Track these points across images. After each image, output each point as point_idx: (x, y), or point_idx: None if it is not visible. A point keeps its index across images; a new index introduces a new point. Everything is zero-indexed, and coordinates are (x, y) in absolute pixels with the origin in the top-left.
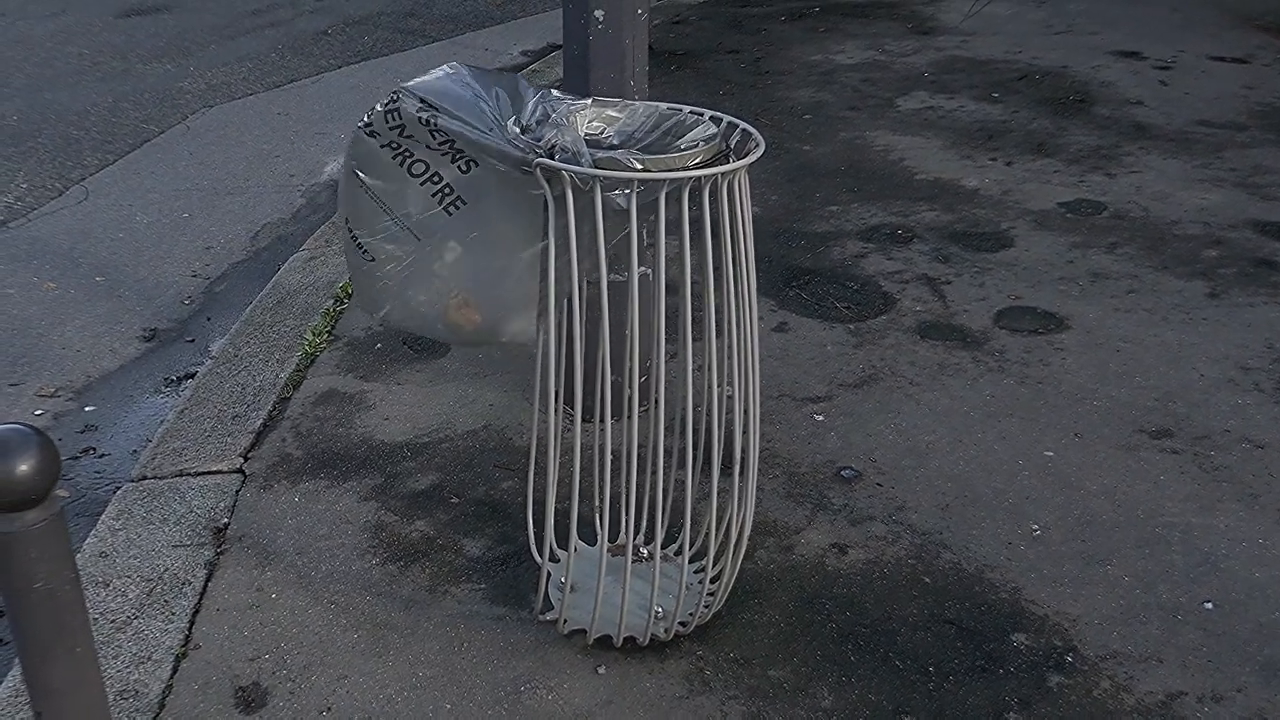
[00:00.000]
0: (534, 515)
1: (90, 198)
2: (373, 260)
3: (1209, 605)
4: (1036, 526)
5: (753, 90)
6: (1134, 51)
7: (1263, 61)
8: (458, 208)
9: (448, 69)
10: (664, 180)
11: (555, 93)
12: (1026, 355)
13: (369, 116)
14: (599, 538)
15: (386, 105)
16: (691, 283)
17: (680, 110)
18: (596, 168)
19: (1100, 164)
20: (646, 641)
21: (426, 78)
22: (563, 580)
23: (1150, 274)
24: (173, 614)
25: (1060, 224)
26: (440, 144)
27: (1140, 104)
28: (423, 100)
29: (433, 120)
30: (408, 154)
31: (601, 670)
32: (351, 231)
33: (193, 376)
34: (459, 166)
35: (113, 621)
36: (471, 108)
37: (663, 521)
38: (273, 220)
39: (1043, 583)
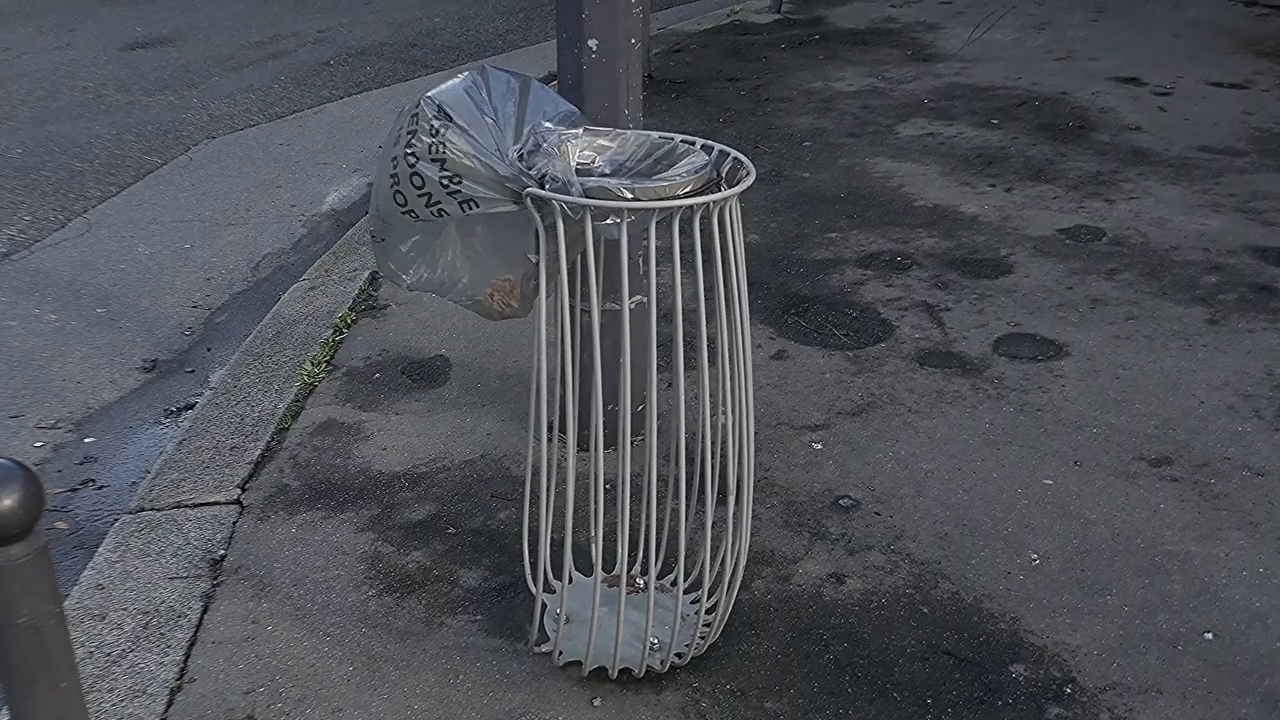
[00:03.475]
0: (529, 546)
1: (93, 229)
2: (383, 241)
3: (1209, 635)
4: (1035, 556)
5: (752, 117)
6: (1133, 77)
7: (1261, 87)
8: (446, 214)
9: (469, 75)
10: (654, 209)
11: (547, 123)
12: (1025, 382)
13: (409, 135)
14: (594, 568)
15: (413, 112)
16: (686, 311)
17: (672, 139)
18: (587, 197)
19: (1099, 190)
20: (642, 673)
21: (447, 85)
22: (558, 611)
23: (1149, 300)
24: (168, 647)
25: (1059, 250)
26: (442, 178)
27: (1139, 130)
28: (440, 108)
29: (440, 131)
30: (411, 163)
31: (597, 703)
32: (369, 232)
33: (192, 408)
34: (457, 204)
35: (108, 655)
36: (480, 125)
37: (658, 552)
38: (274, 250)
39: (1042, 613)
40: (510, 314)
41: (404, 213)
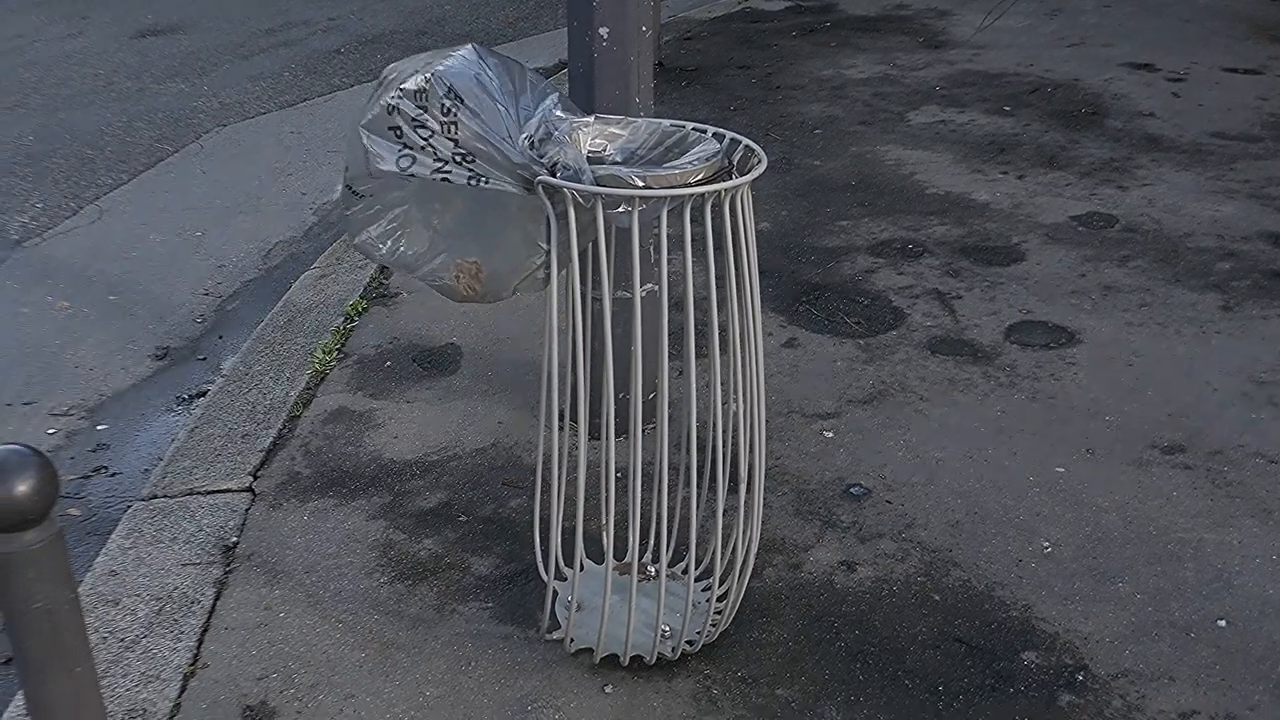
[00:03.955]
0: (540, 533)
1: (104, 217)
2: (363, 197)
3: (1222, 623)
4: (1047, 543)
5: (763, 105)
6: (1147, 63)
7: (1276, 72)
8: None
9: (471, 55)
10: (665, 197)
11: (558, 111)
12: (1037, 370)
13: (395, 96)
14: (606, 556)
15: (418, 86)
16: (697, 299)
17: (683, 127)
18: (598, 185)
19: (1112, 176)
20: (653, 660)
21: (452, 62)
22: (569, 599)
23: (1162, 287)
24: (181, 633)
25: (1072, 237)
26: (456, 154)
27: (1153, 116)
28: (451, 89)
29: (454, 111)
30: (424, 136)
31: (609, 689)
32: (348, 184)
33: (204, 395)
34: (468, 179)
35: (121, 640)
36: (490, 110)
37: (669, 539)
38: (284, 238)
39: (1053, 600)
40: (475, 298)
41: (404, 177)
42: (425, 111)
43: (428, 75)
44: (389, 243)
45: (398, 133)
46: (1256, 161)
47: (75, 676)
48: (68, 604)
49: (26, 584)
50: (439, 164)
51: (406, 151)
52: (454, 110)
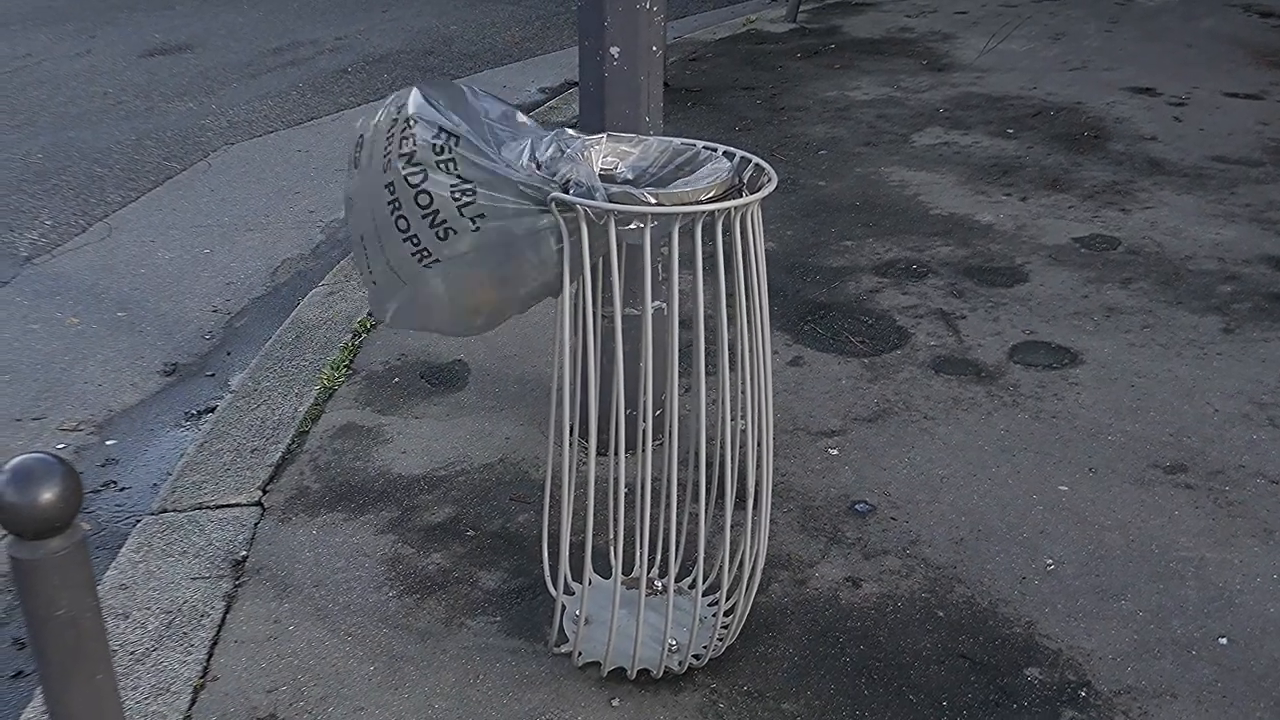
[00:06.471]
0: (549, 548)
1: (113, 234)
2: (375, 284)
3: (1223, 640)
4: (1050, 561)
5: (768, 126)
6: (1148, 88)
7: (1277, 98)
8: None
9: (453, 87)
10: (677, 214)
11: (570, 130)
12: (1040, 390)
13: (406, 158)
14: (613, 571)
15: (403, 132)
16: (706, 316)
17: (694, 145)
18: (610, 202)
19: (1115, 199)
20: (660, 674)
21: (436, 111)
22: (577, 613)
23: (1164, 309)
24: (191, 646)
25: (1074, 259)
26: (454, 189)
27: (1155, 140)
28: (439, 129)
29: (450, 147)
30: (419, 185)
31: (616, 703)
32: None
33: (212, 410)
34: (467, 219)
35: (132, 653)
36: (485, 140)
37: (676, 554)
38: (292, 256)
39: (1057, 617)
40: (487, 327)
41: (405, 239)
42: (411, 158)
43: (410, 120)
44: (415, 311)
45: (396, 205)
46: (1257, 185)
47: (96, 683)
48: (90, 611)
49: (50, 591)
50: (429, 216)
51: (400, 215)
52: (446, 148)
